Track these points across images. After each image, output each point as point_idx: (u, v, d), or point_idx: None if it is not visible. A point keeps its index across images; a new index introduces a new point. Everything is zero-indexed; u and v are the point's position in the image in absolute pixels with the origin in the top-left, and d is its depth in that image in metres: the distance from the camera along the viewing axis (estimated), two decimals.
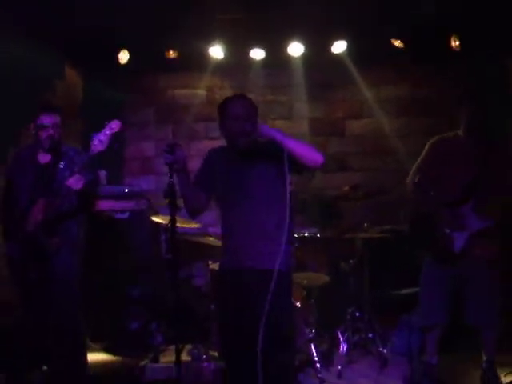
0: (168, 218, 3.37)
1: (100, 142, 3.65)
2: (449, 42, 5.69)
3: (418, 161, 4.52)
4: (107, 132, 3.67)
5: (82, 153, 3.92)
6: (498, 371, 4.28)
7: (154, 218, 5.31)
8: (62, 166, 3.96)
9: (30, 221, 3.86)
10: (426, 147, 4.50)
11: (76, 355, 4.02)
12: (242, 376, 3.31)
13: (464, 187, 4.23)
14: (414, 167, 4.53)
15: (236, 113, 3.31)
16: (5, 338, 4.35)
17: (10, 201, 4.07)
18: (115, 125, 3.69)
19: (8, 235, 4.03)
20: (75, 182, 3.75)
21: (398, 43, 5.77)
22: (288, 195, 3.16)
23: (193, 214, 3.52)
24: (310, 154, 3.17)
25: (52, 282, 3.87)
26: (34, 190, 3.97)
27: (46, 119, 4.00)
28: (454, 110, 4.48)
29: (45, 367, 4.40)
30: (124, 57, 6.04)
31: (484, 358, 4.30)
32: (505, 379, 4.27)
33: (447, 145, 4.43)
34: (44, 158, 4.10)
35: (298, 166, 3.19)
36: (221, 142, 6.35)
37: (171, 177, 3.23)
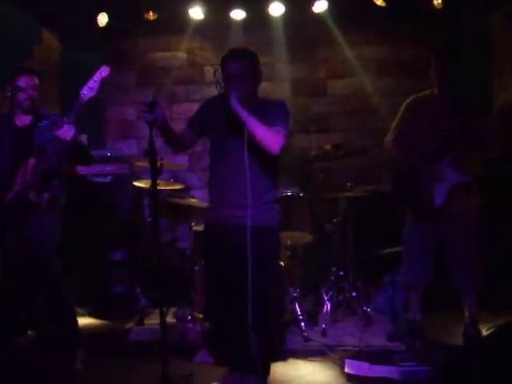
0: (150, 182, 3.37)
1: (90, 88, 3.60)
2: (431, 0, 5.64)
3: (395, 121, 4.53)
4: (96, 78, 3.61)
5: (63, 118, 3.84)
6: (481, 327, 4.34)
7: (136, 183, 5.28)
8: (43, 125, 3.95)
9: (17, 181, 3.85)
10: (402, 107, 4.53)
11: (65, 319, 4.04)
12: (227, 330, 3.34)
13: (440, 141, 4.25)
14: (391, 128, 4.53)
15: (228, 73, 3.31)
16: None
17: None
18: (104, 71, 3.62)
19: None
20: (65, 132, 3.68)
21: (379, 2, 5.69)
22: (247, 163, 3.18)
23: (176, 150, 3.58)
24: (267, 141, 3.20)
25: (35, 238, 3.89)
26: (16, 153, 3.93)
27: (24, 80, 3.96)
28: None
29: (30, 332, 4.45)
30: (103, 19, 5.93)
31: (466, 314, 4.37)
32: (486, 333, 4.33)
33: (422, 103, 4.45)
34: (22, 120, 4.06)
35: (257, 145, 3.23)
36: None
37: (152, 135, 3.21)
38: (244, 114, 3.16)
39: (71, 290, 4.12)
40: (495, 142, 4.25)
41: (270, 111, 3.32)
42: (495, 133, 4.31)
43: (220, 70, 3.31)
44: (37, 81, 4.03)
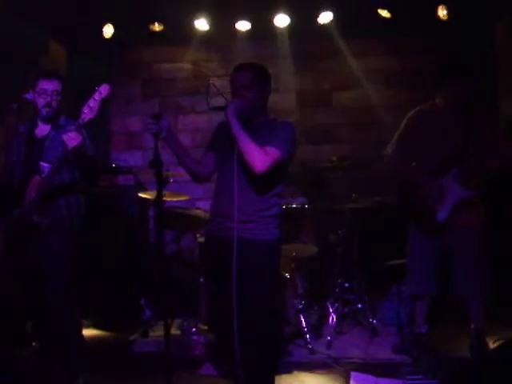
0: (155, 193, 3.36)
1: (90, 108, 3.46)
2: (436, 12, 5.65)
3: (396, 135, 4.49)
4: (96, 98, 3.46)
5: (82, 128, 3.65)
6: (488, 340, 4.31)
7: (142, 195, 5.29)
8: (59, 140, 3.66)
9: (25, 198, 3.69)
10: (404, 120, 4.47)
11: (70, 336, 3.86)
12: (227, 344, 3.33)
13: (445, 156, 4.23)
14: (392, 141, 4.50)
15: (233, 84, 3.33)
16: None
17: (4, 177, 3.86)
18: (104, 89, 3.48)
19: (2, 214, 3.83)
20: (71, 139, 3.49)
21: (384, 13, 5.71)
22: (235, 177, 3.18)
23: (197, 179, 3.54)
24: (252, 159, 3.15)
25: (42, 263, 3.73)
26: (28, 165, 3.76)
27: (44, 85, 3.77)
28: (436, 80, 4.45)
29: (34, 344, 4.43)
30: (109, 31, 5.96)
31: (472, 327, 4.34)
32: (493, 346, 4.30)
33: (425, 116, 4.40)
34: (41, 129, 3.89)
35: None
36: (206, 116, 6.36)
37: (157, 147, 3.21)
38: (235, 127, 3.16)
39: (77, 307, 3.97)
40: (495, 153, 4.22)
41: (273, 132, 3.29)
42: (496, 143, 4.28)
43: (214, 83, 3.31)
44: (59, 86, 3.81)
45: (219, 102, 3.22)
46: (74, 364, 3.84)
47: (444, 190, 4.23)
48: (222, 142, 3.42)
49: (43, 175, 3.65)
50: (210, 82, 3.22)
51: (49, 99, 3.78)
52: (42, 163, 3.73)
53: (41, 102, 3.78)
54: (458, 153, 4.22)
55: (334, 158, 5.16)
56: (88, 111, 3.46)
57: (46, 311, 3.76)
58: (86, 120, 3.48)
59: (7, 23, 4.81)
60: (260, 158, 3.15)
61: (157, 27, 6.03)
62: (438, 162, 4.26)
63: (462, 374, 3.45)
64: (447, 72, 4.38)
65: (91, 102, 3.46)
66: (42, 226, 3.69)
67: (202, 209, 5.47)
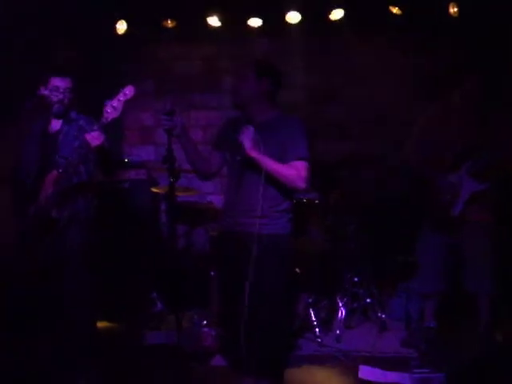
0: (167, 187, 3.43)
1: (113, 108, 3.49)
2: (447, 9, 5.66)
3: (415, 129, 4.53)
4: (121, 98, 3.50)
5: (94, 122, 3.74)
6: (496, 335, 4.35)
7: (154, 189, 5.35)
8: (73, 134, 3.83)
9: (41, 194, 3.74)
10: (422, 117, 4.52)
11: (85, 329, 3.93)
12: (235, 339, 3.39)
13: (459, 153, 4.27)
14: (411, 136, 4.54)
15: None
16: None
17: (19, 175, 3.94)
18: (129, 91, 3.52)
19: (18, 210, 3.89)
20: (95, 138, 3.55)
21: (395, 10, 5.74)
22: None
23: (204, 177, 3.62)
24: (290, 181, 3.27)
25: (60, 258, 3.79)
26: (42, 160, 3.84)
27: (56, 82, 3.83)
28: (451, 77, 4.47)
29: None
30: (122, 27, 6.02)
31: (481, 322, 4.37)
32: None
33: (444, 110, 4.44)
34: (53, 125, 3.95)
35: None
36: (217, 112, 6.39)
37: (170, 142, 3.27)
38: (262, 163, 3.22)
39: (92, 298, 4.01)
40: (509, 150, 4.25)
41: (287, 135, 3.33)
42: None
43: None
44: (71, 83, 3.89)
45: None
46: (85, 355, 3.87)
47: (457, 185, 4.27)
48: (231, 140, 3.47)
49: (60, 170, 3.70)
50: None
51: (61, 96, 3.85)
52: (58, 158, 3.79)
53: (53, 98, 3.84)
54: (472, 149, 4.25)
55: (345, 155, 5.20)
56: (112, 111, 3.50)
57: (62, 307, 3.81)
58: (109, 119, 3.52)
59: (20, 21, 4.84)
60: (296, 177, 3.26)
61: (169, 24, 6.09)
62: (454, 156, 4.30)
63: (470, 368, 3.50)
64: (463, 70, 4.42)
65: (115, 102, 3.50)
66: (61, 220, 3.76)
67: (214, 203, 5.54)
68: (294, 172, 3.26)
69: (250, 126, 3.29)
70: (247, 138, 3.23)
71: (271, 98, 3.44)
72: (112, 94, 3.55)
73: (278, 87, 3.46)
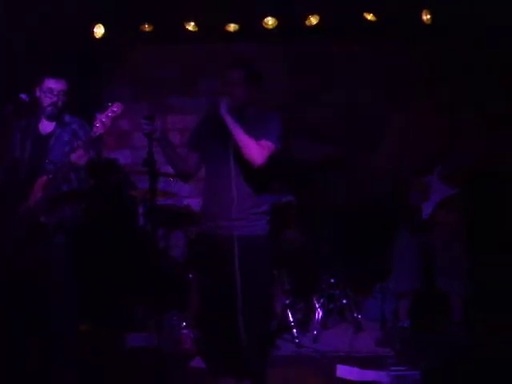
0: (145, 190, 3.49)
1: (102, 123, 3.55)
2: (420, 16, 5.77)
3: (386, 133, 4.63)
4: (109, 114, 3.56)
5: (86, 126, 3.84)
6: (468, 334, 4.45)
7: (132, 192, 5.38)
8: (65, 139, 3.87)
9: (30, 197, 3.76)
10: (392, 120, 4.62)
11: (69, 330, 3.97)
12: (214, 341, 3.45)
13: (431, 156, 4.37)
14: (383, 139, 4.63)
15: (226, 80, 3.48)
16: None
17: (7, 176, 3.95)
18: (116, 107, 3.59)
19: (6, 212, 3.87)
20: (79, 157, 3.61)
21: (370, 16, 5.83)
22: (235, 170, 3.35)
23: (184, 177, 3.70)
24: (251, 153, 3.30)
25: (47, 261, 3.82)
26: (33, 163, 3.86)
27: (50, 84, 3.85)
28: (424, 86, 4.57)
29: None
30: (99, 31, 6.03)
31: (454, 320, 4.47)
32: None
33: (412, 116, 4.54)
34: (45, 127, 3.96)
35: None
36: (194, 116, 6.41)
37: (151, 146, 3.32)
38: (231, 124, 3.29)
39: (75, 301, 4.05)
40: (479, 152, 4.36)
41: (262, 124, 3.42)
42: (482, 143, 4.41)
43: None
44: (64, 86, 3.90)
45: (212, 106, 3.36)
46: (70, 360, 3.91)
47: (429, 188, 4.37)
48: (208, 140, 3.53)
49: (50, 176, 3.73)
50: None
51: (55, 99, 3.87)
52: (47, 163, 3.81)
53: (46, 100, 3.86)
54: (443, 151, 4.35)
55: (321, 157, 5.26)
56: (100, 126, 3.56)
57: (48, 310, 3.84)
58: (97, 134, 3.58)
59: None
60: (257, 151, 3.30)
61: (147, 28, 6.11)
62: (424, 160, 4.40)
63: (444, 365, 3.59)
64: (434, 73, 4.52)
65: (104, 118, 3.56)
66: (49, 225, 3.78)
67: (191, 206, 5.57)
68: (258, 148, 3.31)
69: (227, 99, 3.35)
70: (224, 103, 3.30)
71: (254, 103, 3.55)
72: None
73: (261, 93, 3.56)
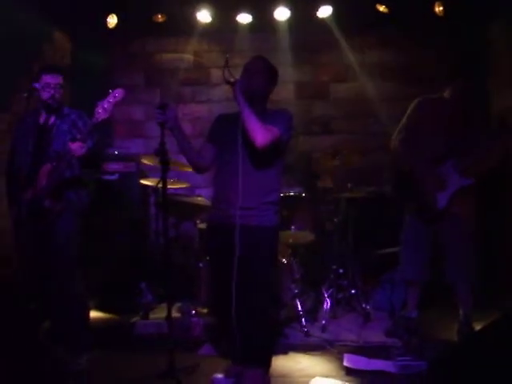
0: (156, 180, 3.54)
1: (104, 109, 3.65)
2: (433, 8, 5.77)
3: (404, 119, 4.62)
4: (111, 100, 3.66)
5: (85, 116, 3.97)
6: (475, 325, 4.47)
7: (143, 181, 5.43)
8: (65, 129, 3.98)
9: (35, 185, 3.86)
10: (412, 105, 4.61)
11: (78, 313, 4.04)
12: (225, 327, 3.50)
13: (446, 145, 4.38)
14: (399, 125, 4.64)
15: (247, 68, 3.56)
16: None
17: (13, 166, 4.06)
18: (118, 93, 3.69)
19: (13, 199, 4.01)
20: (77, 149, 3.71)
21: (382, 8, 5.84)
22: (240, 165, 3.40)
23: (198, 170, 3.72)
24: (255, 133, 3.33)
25: (52, 245, 3.89)
26: (36, 153, 3.96)
27: (48, 79, 3.97)
28: (440, 80, 4.58)
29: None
30: (112, 21, 6.07)
31: (460, 312, 4.50)
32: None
33: (432, 105, 4.55)
34: (45, 119, 4.07)
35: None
36: (207, 106, 6.47)
37: (163, 135, 3.38)
38: (242, 102, 3.33)
39: (84, 286, 4.13)
40: (495, 156, 4.38)
41: (272, 116, 3.48)
42: (495, 149, 4.41)
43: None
44: (61, 80, 4.02)
45: (229, 78, 3.36)
46: (78, 341, 3.99)
47: (444, 178, 4.39)
48: (222, 134, 3.58)
49: (54, 164, 3.83)
50: (227, 55, 3.35)
51: (52, 92, 3.98)
52: (51, 151, 3.91)
53: (45, 94, 3.98)
54: (457, 143, 4.37)
55: (330, 150, 5.29)
56: (102, 112, 3.66)
57: (54, 290, 3.93)
58: (99, 120, 3.69)
59: (11, 11, 4.88)
60: (262, 132, 3.32)
61: (160, 18, 6.16)
62: (439, 150, 4.42)
63: (450, 355, 3.62)
64: (448, 70, 4.54)
65: (105, 104, 3.66)
66: (53, 210, 3.87)
67: (203, 196, 5.62)
68: (263, 129, 3.34)
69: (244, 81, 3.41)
70: (240, 83, 3.35)
71: (268, 97, 3.63)
72: (102, 92, 3.72)
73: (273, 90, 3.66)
